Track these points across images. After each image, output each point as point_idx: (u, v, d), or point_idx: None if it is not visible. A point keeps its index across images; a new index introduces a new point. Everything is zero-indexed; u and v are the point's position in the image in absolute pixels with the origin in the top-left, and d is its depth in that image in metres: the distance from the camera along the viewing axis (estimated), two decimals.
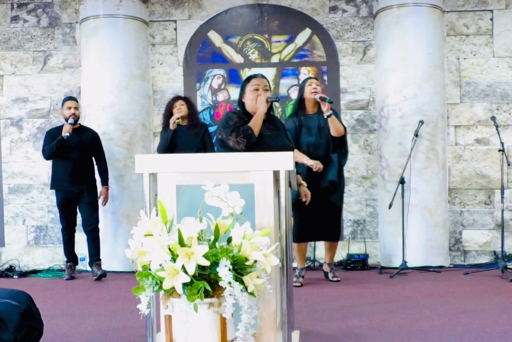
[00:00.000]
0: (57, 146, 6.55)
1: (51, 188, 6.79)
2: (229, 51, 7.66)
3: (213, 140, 6.58)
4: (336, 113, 5.95)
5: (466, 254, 7.37)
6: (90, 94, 7.30)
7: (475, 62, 7.42)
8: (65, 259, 6.90)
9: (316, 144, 5.91)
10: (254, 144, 4.43)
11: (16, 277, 6.99)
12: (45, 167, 7.62)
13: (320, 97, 5.76)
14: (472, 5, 7.41)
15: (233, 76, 7.65)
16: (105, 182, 6.86)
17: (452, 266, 7.17)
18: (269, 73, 7.59)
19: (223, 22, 7.66)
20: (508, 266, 6.42)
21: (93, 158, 6.85)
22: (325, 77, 7.51)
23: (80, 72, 7.56)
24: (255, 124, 4.46)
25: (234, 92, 7.61)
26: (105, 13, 7.31)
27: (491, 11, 7.39)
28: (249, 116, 4.52)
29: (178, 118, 6.42)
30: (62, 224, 6.79)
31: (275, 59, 7.62)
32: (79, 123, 6.80)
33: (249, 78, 4.59)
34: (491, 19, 7.39)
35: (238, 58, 7.65)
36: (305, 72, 7.56)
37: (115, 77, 7.29)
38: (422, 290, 5.56)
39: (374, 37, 7.43)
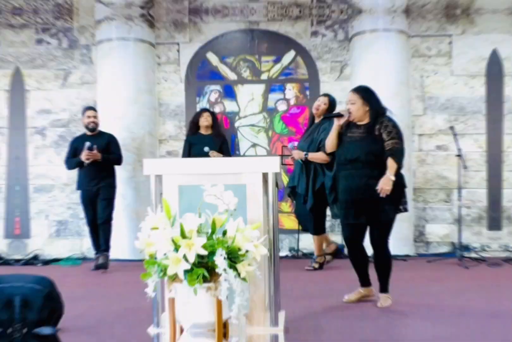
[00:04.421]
0: (76, 165, 6.53)
1: (77, 188, 6.71)
2: (224, 70, 7.66)
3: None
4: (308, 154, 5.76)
5: (429, 245, 7.38)
6: (105, 106, 7.28)
7: (436, 80, 7.44)
8: (94, 251, 6.69)
9: (300, 148, 5.91)
10: (337, 152, 4.25)
11: (40, 264, 6.97)
12: (65, 170, 7.58)
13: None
14: (433, 31, 7.44)
15: (228, 91, 7.65)
16: (106, 156, 6.49)
17: (417, 255, 7.18)
18: (259, 88, 7.60)
19: (220, 45, 7.66)
20: (464, 255, 6.45)
21: None
22: (308, 92, 7.52)
23: (95, 88, 7.54)
24: (328, 139, 4.31)
25: (229, 105, 7.61)
26: (118, 36, 7.30)
27: (450, 35, 7.43)
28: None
29: None
30: (86, 219, 6.65)
31: (264, 76, 7.62)
32: (99, 130, 6.72)
33: None
34: (450, 43, 7.43)
35: (232, 76, 7.65)
36: (290, 88, 7.56)
37: (126, 92, 7.27)
38: (391, 276, 5.57)
39: (349, 58, 7.45)
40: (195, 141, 6.80)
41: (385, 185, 3.99)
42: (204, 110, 7.08)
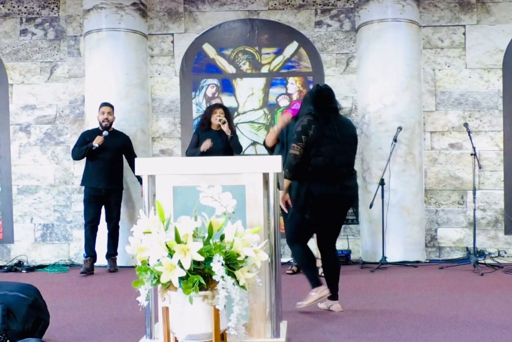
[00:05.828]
0: (85, 152, 6.60)
1: (81, 184, 6.80)
2: (222, 62, 7.66)
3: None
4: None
5: (441, 250, 7.38)
6: (93, 102, 7.26)
7: (449, 73, 7.44)
8: (84, 254, 6.76)
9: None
10: None
11: (24, 271, 6.95)
12: (51, 170, 7.60)
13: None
14: (446, 21, 7.44)
15: (226, 86, 7.65)
16: (140, 181, 6.56)
17: (428, 261, 7.18)
18: (259, 82, 7.60)
19: (217, 36, 7.66)
20: (479, 261, 6.45)
21: (123, 161, 6.84)
22: (311, 87, 7.51)
23: (84, 82, 7.54)
24: None
25: (227, 100, 7.60)
26: (107, 27, 7.30)
27: (464, 26, 7.42)
28: None
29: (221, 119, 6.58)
30: (85, 218, 6.70)
31: (264, 69, 7.62)
32: (113, 128, 6.83)
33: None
34: (464, 34, 7.42)
35: (230, 69, 7.65)
36: (293, 82, 7.57)
37: (117, 86, 7.27)
38: (400, 283, 5.58)
39: (356, 49, 7.45)
40: (205, 137, 6.67)
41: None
42: (217, 106, 6.84)
